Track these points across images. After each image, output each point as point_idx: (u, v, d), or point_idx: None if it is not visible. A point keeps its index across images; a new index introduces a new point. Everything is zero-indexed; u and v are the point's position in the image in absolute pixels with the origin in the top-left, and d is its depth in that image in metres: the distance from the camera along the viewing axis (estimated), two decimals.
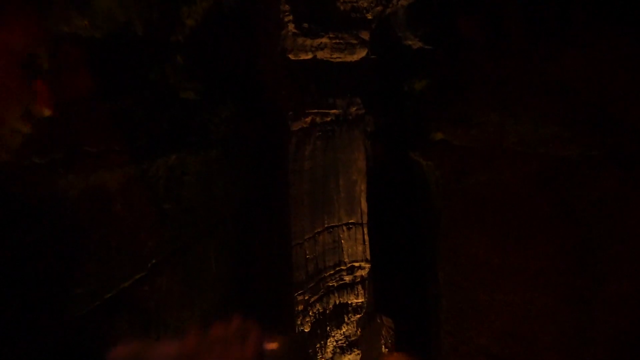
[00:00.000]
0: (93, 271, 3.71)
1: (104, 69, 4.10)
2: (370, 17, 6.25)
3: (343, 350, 18.20)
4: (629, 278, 2.95)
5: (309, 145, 14.28)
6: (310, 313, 16.62)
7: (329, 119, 14.73)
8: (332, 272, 16.94)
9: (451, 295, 3.73)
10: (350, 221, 16.86)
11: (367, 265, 16.99)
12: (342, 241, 16.71)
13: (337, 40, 11.97)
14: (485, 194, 3.67)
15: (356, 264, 17.32)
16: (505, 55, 3.57)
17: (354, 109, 15.09)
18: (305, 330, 15.73)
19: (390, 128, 6.15)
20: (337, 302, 17.63)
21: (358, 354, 18.51)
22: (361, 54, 11.56)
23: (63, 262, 3.48)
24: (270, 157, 8.29)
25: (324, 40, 11.25)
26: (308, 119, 13.59)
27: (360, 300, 18.01)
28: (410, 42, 4.88)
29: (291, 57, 10.60)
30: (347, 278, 17.56)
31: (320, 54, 11.94)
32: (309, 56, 11.47)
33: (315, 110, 13.71)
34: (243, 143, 6.56)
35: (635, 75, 2.99)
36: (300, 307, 15.37)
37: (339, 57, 12.54)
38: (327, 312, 17.04)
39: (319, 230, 15.98)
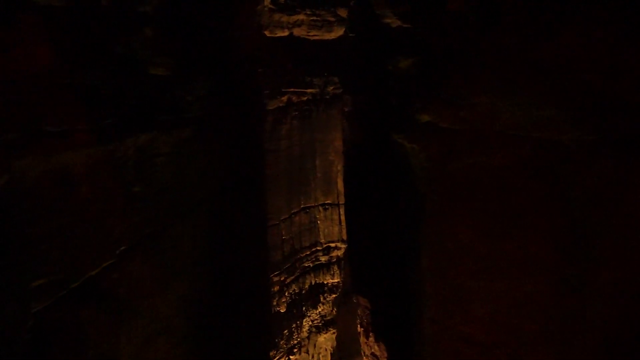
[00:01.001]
0: (56, 260, 3.46)
1: (64, 42, 3.77)
2: None
3: (319, 329, 18.33)
4: (623, 266, 2.90)
5: (285, 124, 14.04)
6: (286, 294, 16.58)
7: (305, 98, 14.47)
8: (308, 252, 16.87)
9: (435, 282, 3.63)
10: (326, 202, 16.82)
11: (343, 246, 17.02)
12: (319, 222, 16.67)
13: (314, 17, 11.57)
14: (473, 178, 3.54)
15: (332, 245, 17.33)
16: (498, 32, 3.39)
17: (332, 88, 14.82)
18: (281, 311, 15.68)
19: (370, 109, 5.98)
20: (313, 282, 17.67)
21: (334, 332, 18.71)
22: (339, 32, 11.23)
23: (21, 251, 3.21)
24: (246, 137, 8.06)
25: (301, 16, 10.85)
26: (284, 98, 13.30)
27: (336, 280, 18.09)
28: (389, 20, 4.67)
29: (267, 33, 10.23)
30: (323, 258, 17.60)
31: (296, 31, 11.56)
32: (285, 33, 11.09)
33: (292, 89, 13.41)
34: (218, 122, 6.29)
35: (637, 55, 2.88)
36: (276, 288, 15.27)
37: (316, 35, 12.17)
38: (303, 292, 17.04)
39: (295, 210, 15.86)
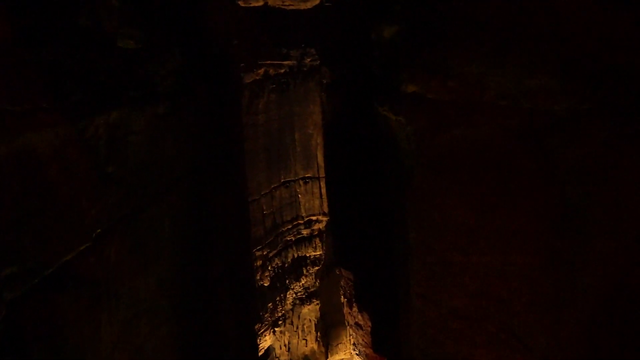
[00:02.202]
0: (27, 246, 3.28)
1: (22, 13, 3.49)
2: None
3: (302, 301, 18.51)
4: (614, 239, 2.86)
5: (262, 98, 13.75)
6: (269, 268, 16.61)
7: (282, 70, 14.16)
8: (289, 226, 16.89)
9: (423, 257, 3.58)
10: (306, 175, 16.73)
11: (325, 219, 17.04)
12: (299, 195, 16.61)
13: None
14: (461, 151, 3.45)
15: (314, 218, 17.35)
16: None
17: (309, 60, 14.48)
18: (265, 285, 15.73)
19: (351, 80, 5.81)
20: (296, 255, 17.72)
21: (317, 304, 18.93)
22: (315, 1, 10.89)
23: None
24: (223, 112, 7.83)
25: None
26: (261, 71, 12.97)
27: (318, 253, 18.16)
28: None
29: (241, 3, 9.85)
30: (305, 232, 17.62)
31: (271, 1, 11.17)
32: (260, 3, 10.71)
33: (269, 62, 13.07)
34: (192, 97, 6.03)
35: (634, 19, 2.78)
36: (259, 263, 15.28)
37: (292, 5, 11.79)
38: (286, 265, 17.11)
39: (276, 185, 15.76)
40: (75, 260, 3.86)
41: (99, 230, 4.10)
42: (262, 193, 13.93)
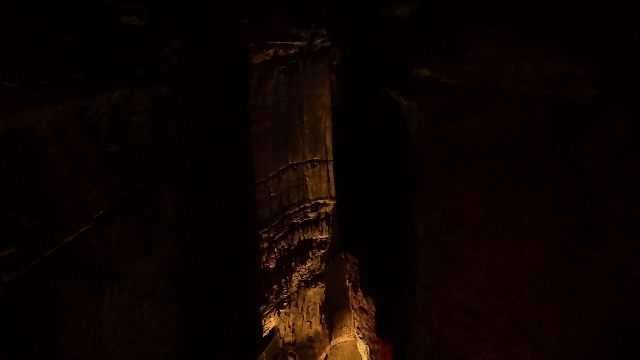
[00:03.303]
0: (26, 228, 3.22)
1: None
2: None
3: (308, 284, 18.53)
4: (634, 238, 2.75)
5: (271, 79, 13.57)
6: (275, 250, 16.63)
7: (292, 51, 13.94)
8: (296, 209, 16.85)
9: (430, 249, 3.46)
10: (314, 158, 16.63)
11: (332, 202, 16.97)
12: (307, 179, 16.53)
13: None
14: (476, 140, 3.28)
15: (320, 201, 17.28)
16: None
17: (319, 40, 14.21)
18: (271, 267, 15.77)
19: (361, 62, 5.63)
20: (302, 238, 17.71)
21: (322, 287, 18.94)
22: None
23: None
24: (230, 93, 7.68)
25: None
26: (270, 51, 12.74)
27: (324, 236, 18.14)
28: None
29: None
30: (312, 215, 17.57)
31: None
32: None
33: (278, 42, 12.82)
34: (198, 77, 5.89)
35: None
36: (265, 245, 15.30)
37: None
38: (292, 248, 17.13)
39: (283, 167, 15.69)
40: (76, 242, 3.81)
41: (100, 212, 4.03)
42: (270, 175, 13.88)
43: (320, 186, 15.64)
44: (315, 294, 16.84)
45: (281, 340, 16.81)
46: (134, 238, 4.62)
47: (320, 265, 16.89)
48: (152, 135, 4.70)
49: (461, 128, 3.26)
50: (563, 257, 2.86)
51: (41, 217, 3.41)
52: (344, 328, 18.00)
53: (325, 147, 14.80)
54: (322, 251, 16.67)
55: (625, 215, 2.63)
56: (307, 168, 14.92)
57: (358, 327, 11.45)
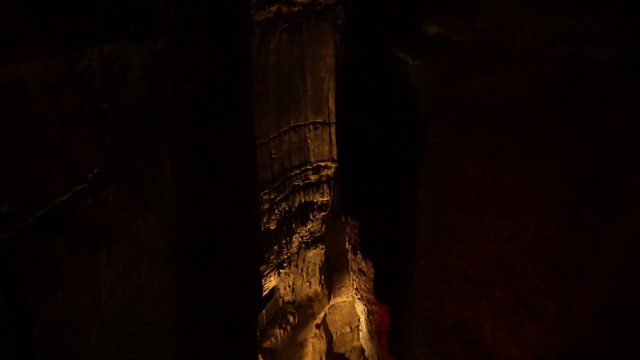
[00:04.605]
0: (16, 185, 3.12)
1: None
2: None
3: (308, 245, 18.75)
4: None
5: (274, 38, 13.20)
6: (276, 211, 16.73)
7: (296, 9, 13.51)
8: (298, 171, 16.83)
9: (432, 216, 3.36)
10: (317, 120, 16.45)
11: (333, 165, 16.93)
12: (309, 141, 16.43)
13: None
14: (485, 103, 3.08)
15: (322, 164, 17.22)
16: None
17: None
18: (271, 228, 15.90)
19: (366, 20, 5.37)
20: (303, 200, 17.80)
21: (322, 248, 19.14)
22: None
23: None
24: (230, 50, 7.43)
25: None
26: (273, 8, 12.32)
27: (325, 199, 18.20)
28: None
29: None
30: (313, 177, 17.55)
31: None
32: None
33: None
34: (196, 33, 5.65)
35: None
36: (266, 206, 15.37)
37: None
38: (293, 210, 17.23)
39: (285, 129, 15.54)
40: (70, 202, 3.73)
41: (95, 171, 3.93)
42: (271, 137, 13.73)
43: (322, 148, 15.52)
44: (315, 255, 17.04)
45: (281, 299, 17.17)
46: (131, 198, 4.55)
47: (321, 228, 16.99)
48: (148, 93, 4.55)
49: (470, 90, 3.09)
50: (571, 229, 2.77)
51: (31, 175, 3.31)
52: (342, 289, 18.33)
53: (328, 109, 14.57)
54: (323, 213, 16.72)
55: (638, 189, 2.50)
56: (309, 130, 14.75)
57: (356, 289, 11.61)
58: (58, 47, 3.42)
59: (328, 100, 14.13)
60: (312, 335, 17.22)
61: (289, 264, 16.56)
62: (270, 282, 15.93)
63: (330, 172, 15.62)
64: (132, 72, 4.12)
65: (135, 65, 4.17)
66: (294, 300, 16.76)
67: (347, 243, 12.45)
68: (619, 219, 2.59)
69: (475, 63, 3.11)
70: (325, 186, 15.89)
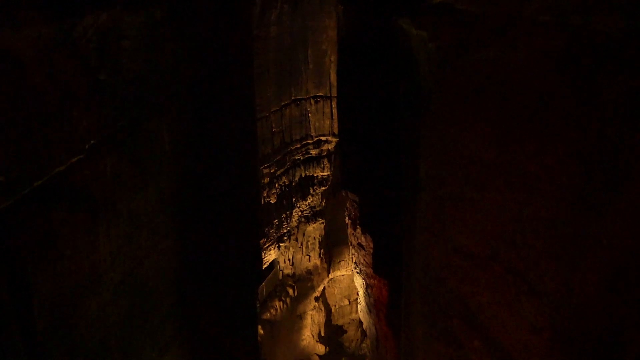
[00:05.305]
0: (12, 156, 3.09)
1: None
2: None
3: (308, 219, 18.76)
4: None
5: (275, 9, 12.89)
6: (277, 185, 16.67)
7: None
8: (298, 145, 16.69)
9: (432, 189, 3.31)
10: (318, 94, 16.21)
11: (334, 140, 16.78)
12: (310, 115, 16.23)
13: None
14: (489, 75, 2.98)
15: (323, 138, 17.06)
16: None
17: None
18: (272, 202, 15.87)
19: None
20: (303, 174, 17.70)
21: (322, 222, 19.17)
22: None
23: None
24: (230, 21, 7.26)
25: None
26: None
27: (326, 174, 18.13)
28: None
29: None
30: (314, 152, 17.43)
31: None
32: None
33: None
34: (195, 2, 5.50)
35: None
36: (266, 180, 15.29)
37: None
38: (293, 184, 17.15)
39: (286, 102, 15.33)
40: (68, 173, 3.70)
41: (92, 142, 3.89)
42: (272, 110, 13.56)
43: (323, 123, 15.35)
44: (315, 229, 17.10)
45: (281, 272, 17.32)
46: (129, 170, 4.52)
47: (321, 202, 16.98)
48: (146, 64, 4.45)
49: (475, 61, 3.00)
50: (574, 206, 2.72)
51: (28, 145, 3.28)
52: (342, 262, 18.47)
53: (330, 82, 14.34)
54: (323, 188, 16.69)
55: None
56: (311, 104, 14.56)
57: (355, 263, 11.69)
58: (52, 14, 3.33)
59: (330, 73, 13.91)
60: (311, 307, 17.47)
61: (289, 237, 16.64)
62: (270, 255, 16.04)
63: (330, 146, 15.52)
64: (128, 41, 4.03)
65: (132, 35, 4.07)
66: (294, 274, 16.93)
67: (346, 217, 12.47)
68: (624, 199, 2.53)
69: (480, 34, 2.99)
70: (325, 160, 15.81)
